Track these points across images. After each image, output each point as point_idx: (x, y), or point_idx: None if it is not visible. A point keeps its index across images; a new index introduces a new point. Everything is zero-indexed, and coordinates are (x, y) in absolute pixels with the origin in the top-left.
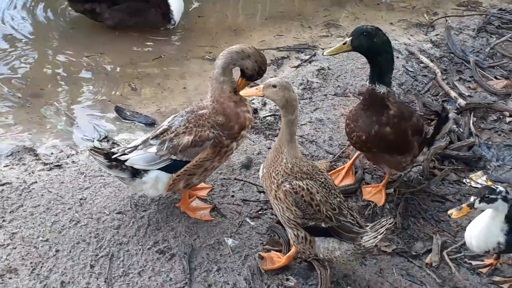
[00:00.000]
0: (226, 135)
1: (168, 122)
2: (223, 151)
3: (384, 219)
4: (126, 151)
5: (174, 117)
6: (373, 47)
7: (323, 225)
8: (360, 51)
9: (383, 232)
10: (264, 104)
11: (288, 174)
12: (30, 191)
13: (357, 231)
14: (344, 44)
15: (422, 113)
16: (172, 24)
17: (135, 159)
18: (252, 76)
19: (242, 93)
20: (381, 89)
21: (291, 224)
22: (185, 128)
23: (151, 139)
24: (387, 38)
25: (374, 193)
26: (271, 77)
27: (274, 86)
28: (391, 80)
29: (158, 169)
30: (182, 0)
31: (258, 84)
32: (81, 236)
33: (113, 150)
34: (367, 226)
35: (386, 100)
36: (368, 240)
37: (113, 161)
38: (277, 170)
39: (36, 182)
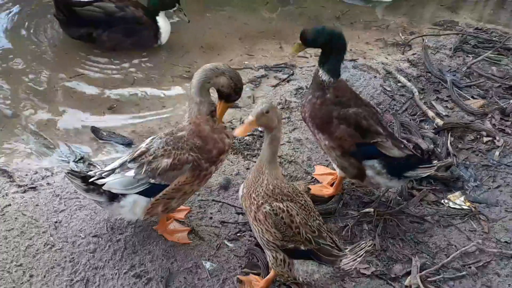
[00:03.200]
0: (204, 158)
1: (146, 144)
2: (202, 174)
3: (363, 242)
4: (103, 175)
5: (152, 139)
6: (324, 41)
7: (302, 247)
8: (314, 46)
9: (362, 254)
10: (243, 123)
11: (269, 196)
12: (3, 214)
13: (336, 254)
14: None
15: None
16: (160, 43)
17: (112, 183)
18: (229, 95)
19: (236, 133)
20: (324, 76)
21: (270, 246)
22: (164, 150)
23: (129, 162)
24: (336, 32)
25: (320, 188)
26: (248, 97)
27: (267, 112)
28: (339, 73)
29: (136, 193)
30: (168, 21)
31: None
32: (56, 260)
33: (90, 173)
34: (346, 248)
35: (325, 87)
36: (347, 263)
37: (90, 185)
38: (257, 191)
39: (10, 205)
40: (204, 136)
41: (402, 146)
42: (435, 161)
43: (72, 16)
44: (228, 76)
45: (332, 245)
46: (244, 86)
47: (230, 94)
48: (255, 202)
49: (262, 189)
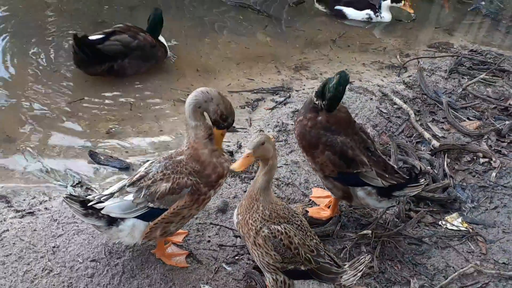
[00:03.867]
0: (203, 182)
1: (145, 169)
2: (200, 198)
3: (362, 257)
4: (102, 199)
5: (151, 163)
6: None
7: (302, 267)
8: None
9: (362, 269)
10: (240, 146)
11: (267, 220)
12: (1, 240)
13: (336, 271)
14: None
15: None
16: (168, 56)
17: (111, 207)
18: (217, 122)
19: (235, 168)
20: (319, 102)
21: (270, 268)
22: (163, 175)
23: (128, 186)
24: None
25: (317, 211)
26: (246, 119)
27: (263, 143)
28: (335, 107)
29: (135, 217)
30: None
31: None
32: (54, 285)
33: (88, 197)
34: (345, 265)
35: (318, 109)
36: (348, 279)
37: (89, 209)
38: (253, 217)
39: (7, 230)
40: (203, 160)
41: (387, 176)
42: (422, 180)
43: (94, 54)
44: (216, 103)
45: (331, 262)
46: (241, 110)
47: (218, 121)
48: (253, 228)
49: (259, 215)
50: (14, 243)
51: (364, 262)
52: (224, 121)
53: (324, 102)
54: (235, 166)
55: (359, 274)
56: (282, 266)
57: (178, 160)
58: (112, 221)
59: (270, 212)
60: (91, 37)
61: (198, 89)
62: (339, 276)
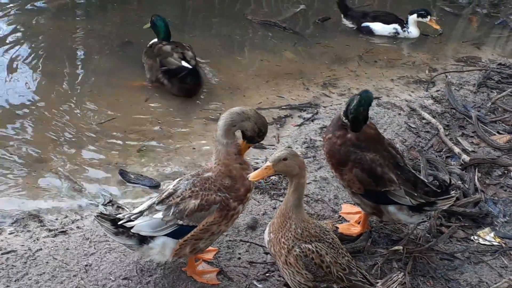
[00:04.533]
0: (232, 197)
1: (174, 186)
2: (230, 214)
3: (394, 274)
4: (132, 217)
5: (180, 180)
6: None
7: (335, 286)
8: None
9: (395, 287)
10: None
11: (298, 239)
12: (35, 259)
13: None
14: None
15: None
16: None
17: (141, 226)
18: (252, 138)
19: (252, 178)
20: (346, 121)
21: (302, 287)
22: (191, 192)
23: (157, 204)
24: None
25: (348, 227)
26: (273, 136)
27: (285, 159)
28: (360, 127)
29: (165, 234)
30: None
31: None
32: None
33: (118, 216)
34: (377, 282)
35: (347, 128)
36: None
37: (120, 227)
38: (286, 236)
39: (41, 249)
40: (234, 175)
41: (416, 194)
42: (452, 192)
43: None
44: (254, 121)
45: (363, 280)
46: (269, 126)
47: (253, 137)
48: (285, 246)
49: (291, 233)
50: (47, 262)
51: (397, 280)
52: (260, 137)
53: (348, 118)
54: (252, 175)
55: None
56: (315, 285)
57: (206, 177)
58: (142, 240)
59: (302, 231)
60: (184, 64)
61: (233, 109)
62: None
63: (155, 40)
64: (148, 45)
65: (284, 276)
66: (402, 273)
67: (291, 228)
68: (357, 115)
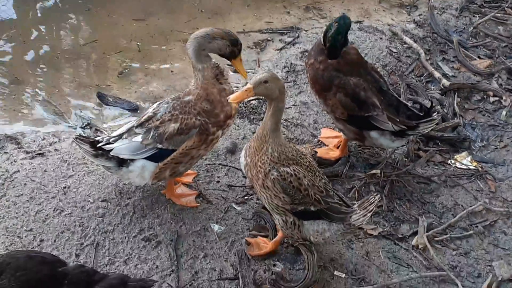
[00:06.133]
0: (212, 122)
1: (153, 109)
2: (209, 139)
3: (371, 196)
4: (110, 140)
5: (159, 104)
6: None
7: (312, 208)
8: None
9: (372, 209)
10: None
11: (275, 162)
12: (13, 180)
13: (345, 211)
14: None
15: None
16: None
17: (120, 149)
18: (231, 52)
19: (231, 100)
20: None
21: (280, 210)
22: (171, 115)
23: (136, 127)
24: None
25: (326, 151)
26: (254, 60)
27: (266, 82)
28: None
29: (144, 158)
30: None
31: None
32: (65, 225)
33: (97, 138)
34: (354, 204)
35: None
36: (358, 219)
37: (99, 150)
38: (262, 159)
39: (18, 171)
40: (212, 99)
41: (398, 120)
42: (434, 114)
43: None
44: (221, 38)
45: (340, 202)
46: (249, 50)
47: (232, 52)
48: (262, 170)
49: (267, 157)
50: (25, 184)
51: (374, 202)
52: (236, 46)
53: (326, 45)
54: (232, 97)
55: (369, 214)
56: (292, 208)
57: (186, 100)
58: (122, 162)
59: (279, 154)
60: None
61: (196, 33)
62: (348, 216)
63: None
64: None
65: (261, 199)
66: (379, 195)
67: (267, 152)
68: (335, 42)
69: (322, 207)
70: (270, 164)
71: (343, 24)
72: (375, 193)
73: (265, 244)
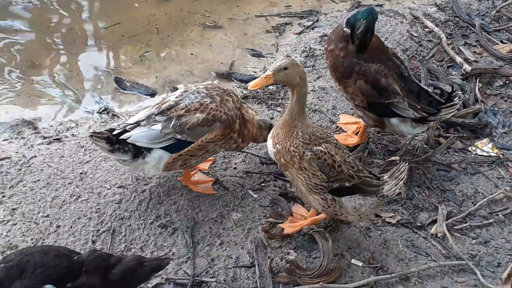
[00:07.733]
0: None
1: (176, 98)
2: (229, 136)
3: (400, 164)
4: (127, 127)
5: (183, 92)
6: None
7: (346, 184)
8: None
9: (403, 177)
10: None
11: (307, 144)
12: (29, 166)
13: (377, 184)
14: None
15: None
16: None
17: (137, 137)
18: None
19: (250, 87)
20: (348, 30)
21: (318, 189)
22: (200, 104)
23: (156, 115)
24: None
25: (345, 138)
26: (272, 44)
27: (286, 68)
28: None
29: (161, 148)
30: None
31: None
32: (82, 211)
33: (112, 125)
34: (383, 176)
35: (349, 39)
36: (390, 189)
37: (115, 144)
38: (295, 144)
39: (35, 156)
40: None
41: (419, 106)
42: (456, 99)
43: None
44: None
45: (370, 176)
46: (267, 34)
47: None
48: (297, 153)
49: (299, 140)
50: (42, 169)
51: (404, 169)
52: None
53: (355, 43)
54: (251, 84)
55: (401, 182)
56: (328, 185)
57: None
58: (137, 154)
59: (309, 136)
60: None
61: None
62: (380, 188)
63: None
64: None
65: (297, 183)
66: (407, 163)
67: (298, 136)
68: (365, 40)
69: (356, 181)
70: (303, 147)
71: (372, 21)
72: (404, 162)
73: (302, 218)
